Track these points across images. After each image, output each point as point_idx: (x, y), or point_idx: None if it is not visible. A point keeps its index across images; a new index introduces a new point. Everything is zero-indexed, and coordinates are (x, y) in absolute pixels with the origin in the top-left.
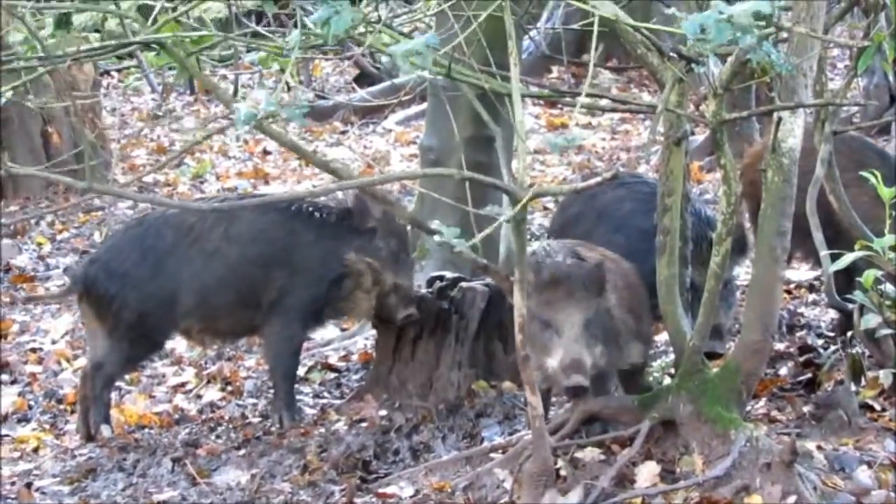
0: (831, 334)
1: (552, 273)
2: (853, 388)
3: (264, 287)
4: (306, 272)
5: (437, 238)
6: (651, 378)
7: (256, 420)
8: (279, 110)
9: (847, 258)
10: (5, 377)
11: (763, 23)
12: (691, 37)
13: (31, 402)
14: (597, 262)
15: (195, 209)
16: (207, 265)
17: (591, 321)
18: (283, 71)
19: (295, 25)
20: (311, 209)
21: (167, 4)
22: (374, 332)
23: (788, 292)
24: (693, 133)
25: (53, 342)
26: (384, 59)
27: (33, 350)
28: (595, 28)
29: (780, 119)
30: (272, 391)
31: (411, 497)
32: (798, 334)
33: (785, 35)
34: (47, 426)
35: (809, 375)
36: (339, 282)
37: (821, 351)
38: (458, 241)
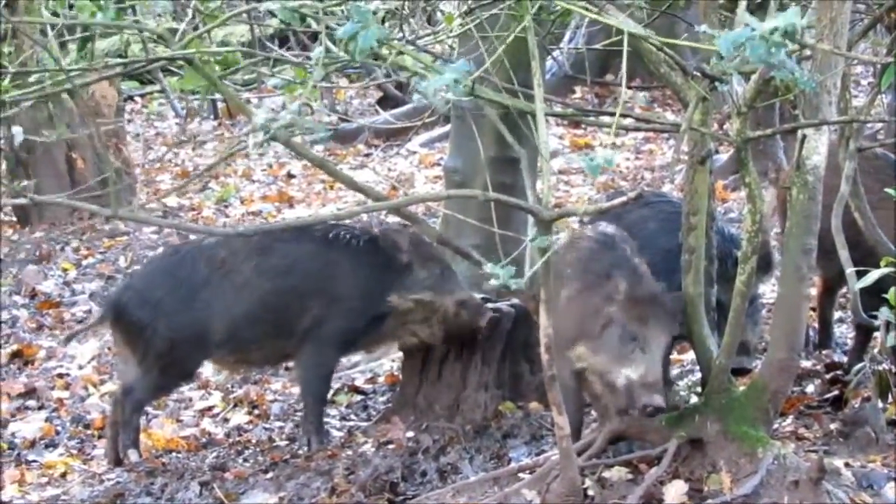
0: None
1: (650, 291)
2: (880, 405)
3: (299, 317)
4: (344, 302)
5: (492, 281)
6: (678, 397)
7: (283, 443)
8: (298, 120)
9: (873, 275)
10: (32, 403)
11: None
12: (726, 54)
13: (59, 428)
14: (678, 294)
15: (220, 234)
16: (240, 296)
17: (668, 348)
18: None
19: (319, 43)
20: (347, 237)
21: (188, 27)
22: (399, 354)
23: (814, 310)
24: (717, 152)
25: (80, 367)
26: (412, 80)
27: (60, 375)
28: (625, 48)
29: (804, 137)
30: (299, 414)
31: None
32: (824, 351)
33: (808, 52)
34: (75, 451)
35: (836, 393)
36: (381, 319)
37: (847, 368)
38: (510, 276)
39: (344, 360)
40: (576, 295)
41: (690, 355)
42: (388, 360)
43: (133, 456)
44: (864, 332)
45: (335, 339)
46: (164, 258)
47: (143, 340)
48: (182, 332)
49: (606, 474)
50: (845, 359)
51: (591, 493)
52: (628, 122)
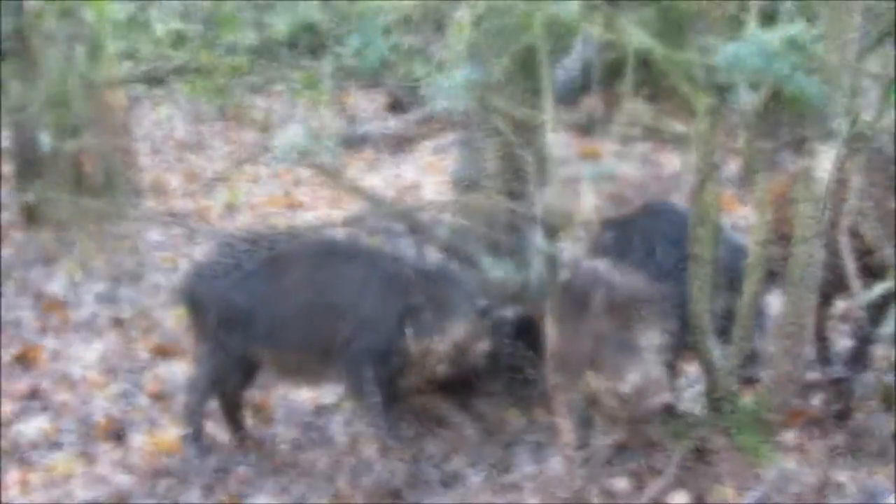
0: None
1: (624, 294)
2: (885, 417)
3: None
4: (371, 324)
5: (491, 273)
6: (683, 407)
7: (287, 447)
8: (314, 145)
9: (879, 288)
10: (36, 404)
11: (797, 52)
12: (725, 68)
13: (63, 429)
14: (665, 287)
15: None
16: (280, 302)
17: (662, 344)
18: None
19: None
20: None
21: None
22: None
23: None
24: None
25: (85, 369)
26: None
27: (64, 377)
28: (633, 57)
29: (812, 148)
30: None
31: None
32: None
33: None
34: (78, 453)
35: (841, 405)
36: (404, 353)
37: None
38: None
39: None
40: (571, 331)
41: (696, 365)
42: None
43: (188, 450)
44: (868, 345)
45: (366, 354)
46: (219, 245)
47: (200, 320)
48: (228, 313)
49: (610, 484)
50: (849, 371)
51: (594, 502)
52: (636, 131)
